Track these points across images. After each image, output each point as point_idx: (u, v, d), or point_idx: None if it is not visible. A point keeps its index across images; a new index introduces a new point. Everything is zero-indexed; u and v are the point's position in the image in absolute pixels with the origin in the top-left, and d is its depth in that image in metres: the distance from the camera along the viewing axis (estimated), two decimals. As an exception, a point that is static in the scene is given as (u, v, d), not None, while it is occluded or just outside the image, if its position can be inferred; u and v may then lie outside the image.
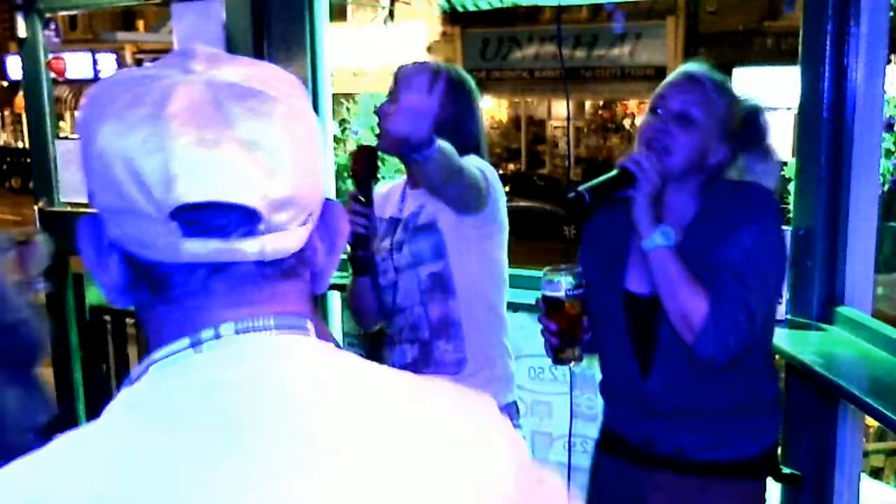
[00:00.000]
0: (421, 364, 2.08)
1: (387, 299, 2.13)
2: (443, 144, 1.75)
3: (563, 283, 1.71)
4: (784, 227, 1.92)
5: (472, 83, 2.13)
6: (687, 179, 1.71)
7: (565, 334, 1.74)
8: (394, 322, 2.14)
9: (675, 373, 1.72)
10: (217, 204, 0.62)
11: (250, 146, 0.64)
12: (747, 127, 1.76)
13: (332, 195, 3.28)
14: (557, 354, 1.76)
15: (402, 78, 2.06)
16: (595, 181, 1.67)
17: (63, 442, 0.63)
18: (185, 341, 0.66)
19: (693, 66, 1.76)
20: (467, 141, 2.03)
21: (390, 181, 2.26)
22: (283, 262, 0.68)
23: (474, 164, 1.96)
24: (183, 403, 0.63)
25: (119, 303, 0.70)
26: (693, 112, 1.68)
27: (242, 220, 0.64)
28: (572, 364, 1.81)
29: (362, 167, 1.99)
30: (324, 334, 0.82)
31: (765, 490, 1.84)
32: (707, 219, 1.71)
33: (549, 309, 1.73)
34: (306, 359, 0.68)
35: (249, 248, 0.65)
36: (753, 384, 1.75)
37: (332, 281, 2.63)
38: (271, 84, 0.71)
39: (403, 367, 2.08)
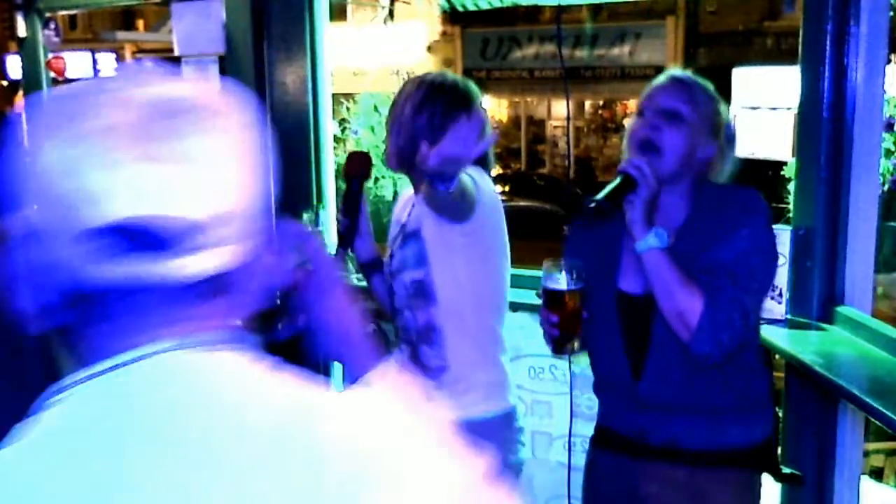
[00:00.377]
0: (411, 366, 2.08)
1: (389, 301, 2.18)
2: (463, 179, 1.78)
3: (563, 277, 1.75)
4: (776, 227, 1.94)
5: (474, 91, 2.10)
6: (678, 180, 1.75)
7: (565, 326, 1.77)
8: (396, 321, 2.18)
9: (668, 371, 1.75)
10: (154, 220, 0.62)
11: (188, 162, 0.63)
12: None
13: (332, 195, 3.28)
14: (557, 345, 1.80)
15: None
16: (607, 190, 1.70)
17: None
18: (107, 363, 0.65)
19: (677, 71, 1.83)
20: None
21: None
22: (220, 277, 0.67)
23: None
24: (93, 429, 0.62)
25: (41, 325, 0.68)
26: (680, 108, 1.73)
27: (180, 236, 0.63)
28: (571, 355, 1.86)
29: (353, 168, 2.06)
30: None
31: (758, 483, 1.87)
32: (698, 221, 1.75)
33: (549, 301, 1.77)
34: (224, 380, 0.66)
35: (187, 265, 0.64)
36: (746, 381, 1.79)
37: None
38: (212, 102, 0.69)
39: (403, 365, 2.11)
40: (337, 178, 3.64)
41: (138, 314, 0.66)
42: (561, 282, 1.75)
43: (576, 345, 1.81)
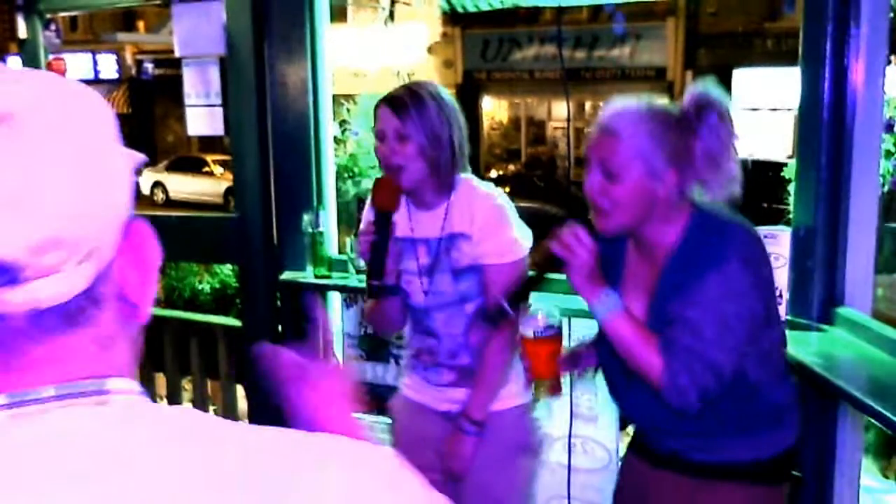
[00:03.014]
0: (461, 383, 2.13)
1: (418, 323, 2.18)
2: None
3: (531, 323, 1.76)
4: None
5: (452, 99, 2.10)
6: (651, 216, 1.67)
7: (537, 371, 1.79)
8: (425, 341, 2.18)
9: (651, 397, 1.69)
10: None
11: None
12: (693, 131, 1.65)
13: (332, 196, 3.28)
14: (535, 387, 1.83)
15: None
16: (515, 290, 1.72)
17: None
18: None
19: (608, 112, 1.68)
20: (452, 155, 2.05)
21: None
22: (64, 307, 0.59)
23: (505, 229, 2.04)
24: None
25: None
26: (612, 169, 1.62)
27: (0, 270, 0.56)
28: (549, 398, 1.85)
29: (387, 203, 2.01)
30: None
31: (770, 498, 1.81)
32: (686, 253, 1.67)
33: (527, 346, 1.78)
34: (81, 443, 0.57)
35: (14, 298, 0.57)
36: (740, 409, 1.72)
37: (332, 282, 2.65)
38: (28, 103, 0.59)
39: (439, 384, 2.17)
40: (338, 178, 3.64)
41: None
42: (536, 327, 1.76)
43: (548, 391, 1.81)
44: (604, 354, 1.84)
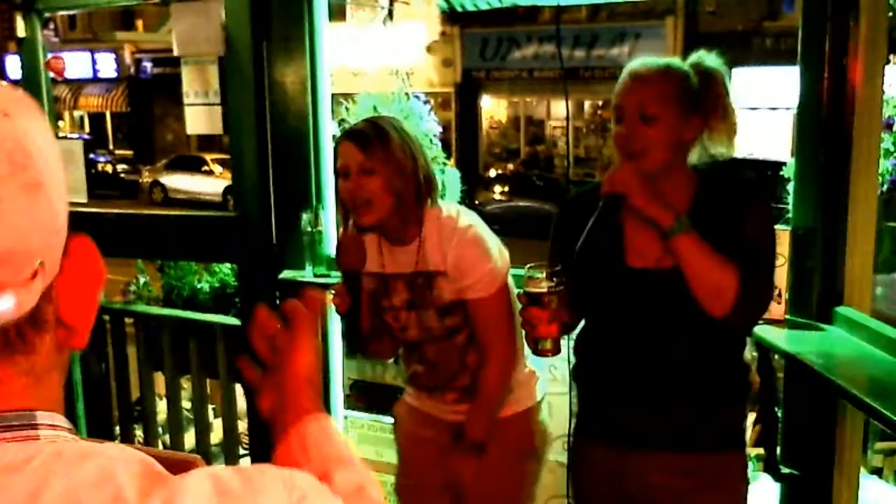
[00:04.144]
0: (465, 400, 2.14)
1: (412, 352, 2.18)
2: None
3: (544, 280, 1.78)
4: (776, 228, 1.99)
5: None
6: (675, 166, 1.79)
7: (545, 328, 1.81)
8: (422, 369, 2.19)
9: (671, 347, 1.82)
10: None
11: None
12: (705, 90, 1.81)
13: (332, 195, 3.28)
14: (537, 346, 1.84)
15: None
16: (594, 218, 1.77)
17: None
18: None
19: (636, 63, 1.81)
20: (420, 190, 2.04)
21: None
22: (3, 330, 0.56)
23: (480, 257, 2.02)
24: None
25: None
26: (650, 110, 1.74)
27: None
28: (551, 356, 1.88)
29: (353, 259, 1.98)
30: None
31: (739, 481, 1.91)
32: (703, 205, 1.79)
33: (530, 303, 1.80)
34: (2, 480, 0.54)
35: None
36: (732, 367, 1.88)
37: (331, 281, 2.64)
38: None
39: (444, 402, 2.18)
40: (337, 179, 3.64)
41: None
42: (541, 284, 1.78)
43: (556, 345, 1.85)
44: (613, 314, 1.89)
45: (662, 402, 1.85)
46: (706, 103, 1.78)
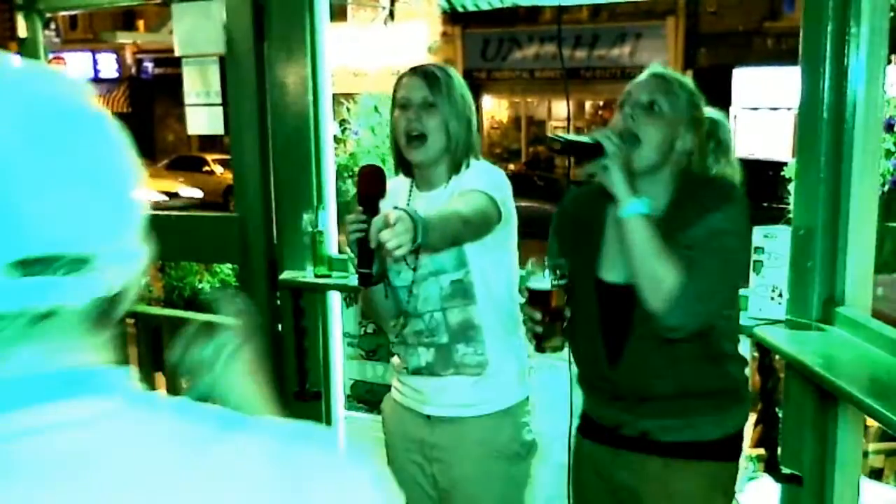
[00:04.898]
0: (438, 366, 2.11)
1: (402, 302, 2.15)
2: (431, 226, 1.72)
3: (547, 276, 1.80)
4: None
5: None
6: (658, 171, 1.80)
7: (548, 324, 1.82)
8: (409, 324, 2.15)
9: (645, 359, 1.81)
10: (53, 243, 0.58)
11: (85, 179, 0.60)
12: (711, 138, 1.90)
13: (332, 195, 3.28)
14: (541, 342, 1.85)
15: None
16: (574, 136, 1.77)
17: None
18: None
19: (656, 67, 1.88)
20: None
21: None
22: (106, 301, 0.63)
23: (480, 181, 1.99)
24: None
25: None
26: (658, 101, 1.78)
27: (79, 258, 0.60)
28: (554, 352, 1.89)
29: (371, 188, 1.98)
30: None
31: (732, 473, 1.93)
32: (677, 208, 1.80)
33: (533, 299, 1.81)
34: (100, 430, 0.61)
35: (82, 287, 0.61)
36: (720, 369, 1.86)
37: (332, 281, 2.65)
38: (85, 103, 0.64)
39: (418, 369, 2.14)
40: (337, 178, 3.64)
41: (23, 345, 0.60)
42: (544, 280, 1.79)
43: (558, 341, 1.86)
44: (586, 325, 1.87)
45: (632, 407, 1.86)
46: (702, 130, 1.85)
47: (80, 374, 0.63)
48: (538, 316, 1.80)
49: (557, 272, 1.79)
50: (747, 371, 2.02)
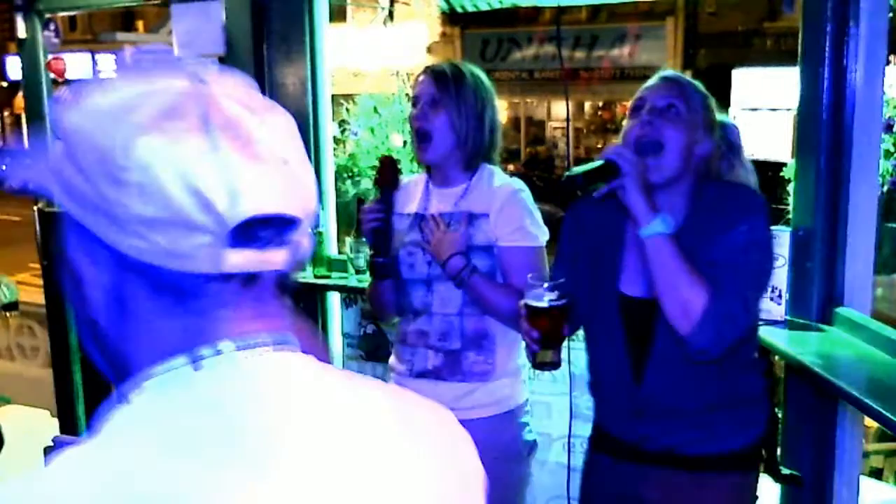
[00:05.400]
0: (444, 373, 2.10)
1: (416, 298, 2.13)
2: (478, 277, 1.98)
3: (545, 293, 1.74)
4: (776, 229, 1.96)
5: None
6: (679, 179, 1.74)
7: (545, 341, 1.77)
8: (417, 322, 2.14)
9: (669, 374, 1.75)
10: (275, 218, 0.64)
11: (283, 161, 0.66)
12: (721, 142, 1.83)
13: (332, 196, 3.28)
14: (536, 359, 1.79)
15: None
16: (585, 167, 1.69)
17: (63, 460, 0.60)
18: (182, 359, 0.65)
19: (667, 71, 1.83)
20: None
21: (406, 177, 2.28)
22: (286, 274, 0.69)
23: (529, 228, 2.07)
24: (181, 422, 0.62)
25: (104, 317, 0.68)
26: (676, 104, 1.73)
27: (279, 230, 0.66)
28: (551, 370, 1.83)
29: (387, 178, 2.07)
30: (314, 345, 0.81)
31: (755, 482, 1.88)
32: (698, 219, 1.74)
33: (530, 316, 1.76)
34: (299, 378, 0.68)
35: (278, 257, 0.67)
36: (741, 377, 1.80)
37: (332, 282, 2.66)
38: (263, 98, 0.70)
39: (422, 372, 2.12)
40: (337, 178, 3.64)
41: (234, 307, 0.67)
42: (542, 298, 1.74)
43: (555, 358, 1.80)
44: (607, 339, 1.83)
45: (656, 421, 1.80)
46: (716, 135, 1.80)
47: (280, 336, 0.69)
48: (534, 334, 1.75)
49: (556, 290, 1.73)
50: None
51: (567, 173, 1.69)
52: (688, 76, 1.86)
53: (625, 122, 1.80)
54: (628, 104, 1.84)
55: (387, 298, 2.18)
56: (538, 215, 2.09)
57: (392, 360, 2.25)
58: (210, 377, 0.64)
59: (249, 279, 0.66)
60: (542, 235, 2.08)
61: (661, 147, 1.70)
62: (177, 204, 0.62)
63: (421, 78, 2.11)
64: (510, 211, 2.05)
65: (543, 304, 1.73)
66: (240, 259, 0.64)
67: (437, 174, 2.13)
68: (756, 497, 1.90)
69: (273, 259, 0.66)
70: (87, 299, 0.68)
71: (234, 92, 0.67)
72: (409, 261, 2.12)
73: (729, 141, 1.87)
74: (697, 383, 1.74)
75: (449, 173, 2.10)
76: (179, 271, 0.64)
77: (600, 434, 1.95)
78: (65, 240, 0.67)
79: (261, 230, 0.64)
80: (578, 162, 1.92)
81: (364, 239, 2.92)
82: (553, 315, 1.74)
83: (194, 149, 0.62)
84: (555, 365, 1.81)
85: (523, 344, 2.10)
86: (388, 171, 2.08)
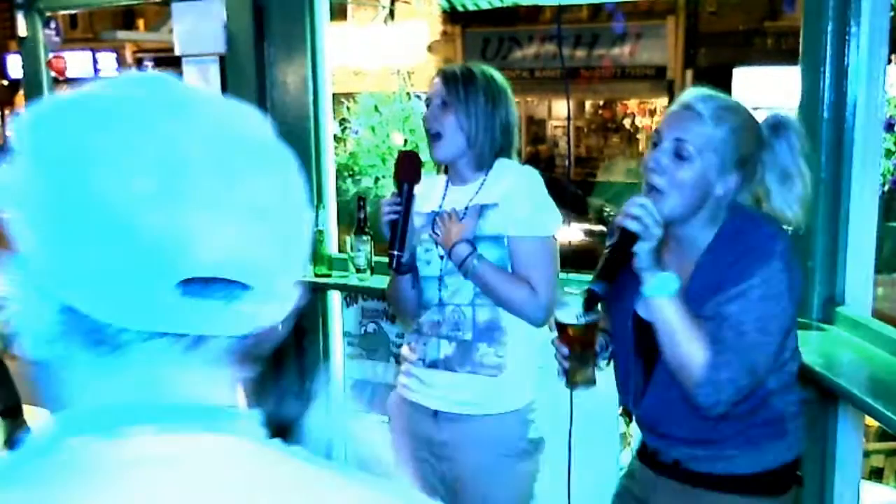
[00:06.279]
0: (455, 363, 2.12)
1: (430, 292, 2.16)
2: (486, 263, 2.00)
3: (574, 310, 1.71)
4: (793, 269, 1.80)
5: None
6: (696, 213, 1.64)
7: (576, 359, 1.75)
8: (431, 314, 2.16)
9: (667, 401, 1.71)
10: (229, 267, 0.59)
11: (262, 208, 0.60)
12: (768, 144, 1.67)
13: (332, 194, 3.28)
14: (570, 378, 1.77)
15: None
16: (599, 268, 1.62)
17: None
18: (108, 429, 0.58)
19: (694, 94, 1.66)
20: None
21: (426, 176, 2.29)
22: (248, 337, 0.63)
23: (542, 217, 2.06)
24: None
25: (40, 354, 0.61)
26: (686, 149, 1.59)
27: (238, 287, 0.60)
28: (586, 386, 1.79)
29: (407, 173, 2.08)
30: None
31: (779, 499, 1.76)
32: (718, 255, 1.64)
33: (561, 333, 1.74)
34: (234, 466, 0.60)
35: (238, 316, 0.61)
36: (758, 407, 1.69)
37: (332, 281, 2.66)
38: (270, 140, 0.64)
39: (434, 361, 2.14)
40: (338, 177, 3.64)
41: (174, 367, 0.61)
42: (572, 315, 1.71)
43: (589, 376, 1.77)
44: (623, 355, 1.82)
45: (666, 437, 1.78)
46: (758, 163, 1.65)
47: (213, 410, 0.62)
48: (565, 351, 1.73)
49: (588, 309, 1.68)
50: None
51: (589, 288, 1.61)
52: (721, 95, 1.67)
53: (647, 151, 1.68)
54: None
55: (407, 295, 2.19)
56: (548, 202, 2.09)
57: (404, 349, 2.27)
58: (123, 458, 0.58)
59: (202, 340, 0.61)
60: (553, 223, 2.08)
61: (662, 193, 1.61)
62: (122, 247, 0.57)
63: (434, 80, 2.15)
64: (518, 200, 2.05)
65: (573, 320, 1.70)
66: (191, 311, 0.59)
67: (453, 173, 2.16)
68: None
69: (237, 316, 0.61)
70: (27, 336, 0.62)
71: (223, 125, 0.63)
72: (426, 258, 2.15)
73: (780, 166, 1.68)
74: (691, 416, 1.67)
75: (463, 172, 2.13)
76: (117, 322, 0.59)
77: (640, 441, 1.95)
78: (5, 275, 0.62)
79: (226, 283, 0.59)
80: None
81: (364, 238, 2.93)
82: (583, 332, 1.71)
83: (152, 187, 0.57)
84: (590, 382, 1.77)
85: (538, 343, 2.11)
86: (407, 165, 2.09)
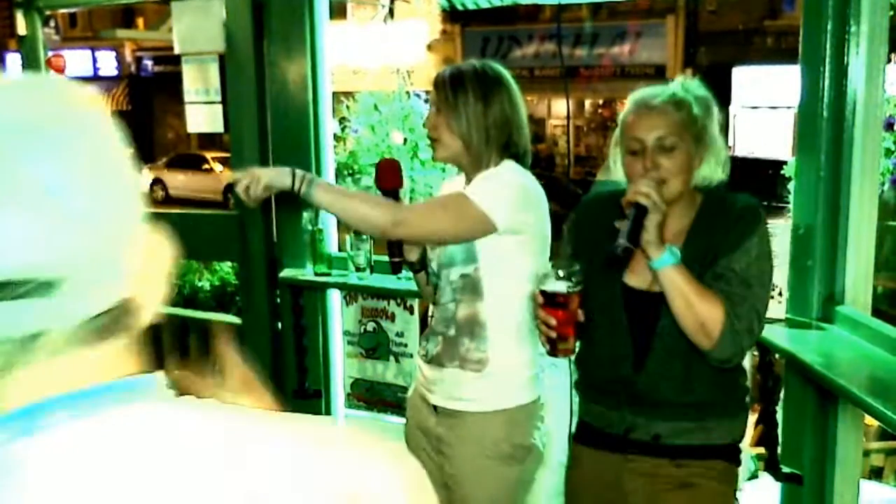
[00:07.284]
0: (444, 358, 2.13)
1: (433, 288, 2.22)
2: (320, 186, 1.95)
3: (562, 279, 1.78)
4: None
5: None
6: (679, 197, 1.79)
7: (563, 328, 1.81)
8: (433, 310, 2.23)
9: (669, 366, 1.80)
10: (17, 268, 0.56)
11: (48, 200, 0.56)
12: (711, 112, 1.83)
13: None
14: (555, 347, 1.83)
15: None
16: (628, 229, 1.69)
17: None
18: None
19: (642, 94, 1.81)
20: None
21: (449, 178, 2.31)
22: (106, 317, 0.62)
23: (475, 185, 2.02)
24: None
25: None
26: (669, 140, 1.75)
27: (47, 283, 0.57)
28: (567, 356, 1.88)
29: (392, 181, 2.10)
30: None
31: (737, 474, 1.94)
32: (701, 228, 1.80)
33: (547, 303, 1.79)
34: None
35: (58, 308, 0.58)
36: (731, 380, 1.86)
37: (332, 279, 2.66)
38: (63, 118, 0.60)
39: (430, 357, 2.17)
40: (338, 176, 3.64)
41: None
42: (559, 284, 1.77)
43: (573, 345, 1.84)
44: (608, 327, 1.86)
45: (646, 412, 1.84)
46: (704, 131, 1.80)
47: (99, 389, 0.61)
48: (553, 321, 1.79)
49: (573, 279, 1.78)
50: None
51: (616, 246, 1.68)
52: (687, 77, 1.85)
53: (624, 159, 1.81)
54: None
55: (426, 292, 2.29)
56: (506, 193, 2.01)
57: (418, 346, 2.33)
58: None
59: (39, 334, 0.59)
60: (483, 197, 1.98)
61: (665, 181, 1.75)
62: None
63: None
64: (479, 179, 2.05)
65: (562, 288, 1.77)
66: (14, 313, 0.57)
67: (463, 173, 2.17)
68: (737, 489, 1.94)
69: (65, 305, 0.58)
70: None
71: (14, 106, 0.59)
72: (430, 255, 2.19)
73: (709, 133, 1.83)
74: (693, 378, 1.80)
75: (468, 171, 2.14)
76: None
77: (585, 428, 1.99)
78: None
79: (20, 283, 0.56)
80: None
81: (364, 237, 2.93)
82: (570, 301, 1.78)
83: None
84: (571, 351, 1.86)
85: (534, 341, 2.10)
86: (390, 174, 2.11)
